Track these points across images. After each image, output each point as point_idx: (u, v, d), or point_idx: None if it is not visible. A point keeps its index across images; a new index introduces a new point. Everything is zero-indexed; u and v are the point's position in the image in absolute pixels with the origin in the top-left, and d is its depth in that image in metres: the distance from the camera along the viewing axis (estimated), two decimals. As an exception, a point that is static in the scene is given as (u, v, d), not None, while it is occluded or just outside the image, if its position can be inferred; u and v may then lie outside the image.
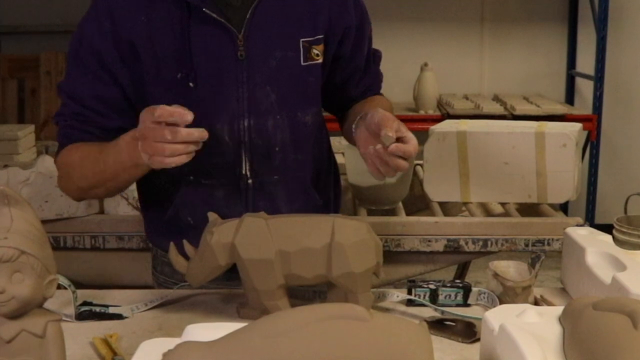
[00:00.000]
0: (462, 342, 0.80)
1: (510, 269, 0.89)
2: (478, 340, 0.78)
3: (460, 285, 0.91)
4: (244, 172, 0.97)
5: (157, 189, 1.02)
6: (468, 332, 0.81)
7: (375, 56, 1.09)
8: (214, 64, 0.93)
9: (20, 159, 1.93)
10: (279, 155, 0.98)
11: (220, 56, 0.93)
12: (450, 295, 0.90)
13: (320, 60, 0.98)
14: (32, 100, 3.09)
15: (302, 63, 0.96)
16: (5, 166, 1.70)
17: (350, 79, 1.06)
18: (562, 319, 0.66)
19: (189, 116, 0.82)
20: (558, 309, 0.68)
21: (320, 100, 1.02)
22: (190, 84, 0.92)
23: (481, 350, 0.71)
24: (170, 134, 0.81)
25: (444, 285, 0.90)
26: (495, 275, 0.86)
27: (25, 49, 3.13)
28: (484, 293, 0.89)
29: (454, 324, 0.83)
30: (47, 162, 1.65)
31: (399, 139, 0.85)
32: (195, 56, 0.92)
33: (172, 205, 0.99)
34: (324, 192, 1.05)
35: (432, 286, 0.90)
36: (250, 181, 0.97)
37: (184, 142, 0.82)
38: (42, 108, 3.05)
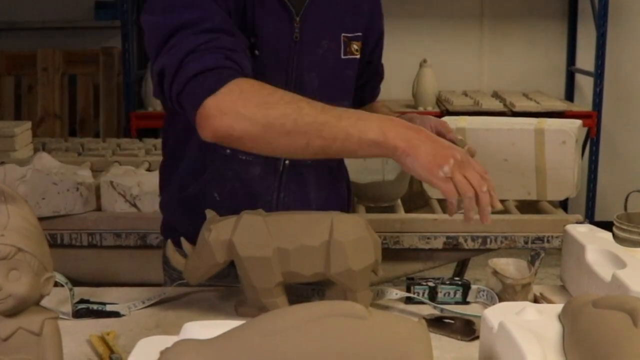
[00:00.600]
0: (461, 339, 0.80)
1: (510, 266, 0.88)
2: (477, 338, 0.78)
3: (460, 282, 0.90)
4: None
5: (188, 162, 0.97)
6: (467, 329, 0.81)
7: (380, 72, 1.14)
8: (274, 40, 0.93)
9: (16, 156, 1.92)
10: None
11: (280, 33, 0.93)
12: (449, 293, 0.89)
13: (358, 56, 1.01)
14: (28, 97, 3.08)
15: (342, 56, 0.99)
16: (2, 163, 1.69)
17: (368, 82, 1.11)
18: (562, 317, 0.66)
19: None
20: (558, 307, 0.68)
21: (352, 95, 1.05)
22: (256, 52, 0.91)
23: (480, 348, 0.70)
24: (486, 187, 0.77)
25: (443, 283, 0.90)
26: (495, 272, 0.86)
27: (22, 46, 3.12)
28: (483, 291, 0.89)
29: (453, 321, 0.83)
30: (44, 159, 1.64)
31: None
32: (260, 27, 0.91)
33: (197, 181, 0.96)
34: (347, 185, 1.09)
35: (431, 284, 0.90)
36: (287, 162, 0.97)
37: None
38: (39, 105, 3.04)
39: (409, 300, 0.91)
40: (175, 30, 0.82)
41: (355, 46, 1.00)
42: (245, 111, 0.78)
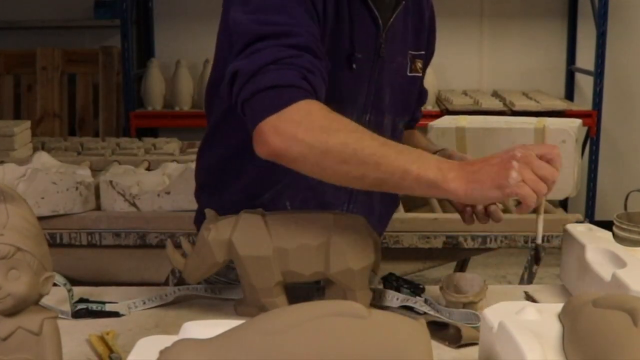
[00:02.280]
0: (449, 346, 0.78)
1: (461, 281, 0.86)
2: (463, 346, 0.77)
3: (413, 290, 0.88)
4: None
5: (260, 167, 0.87)
6: (458, 336, 0.79)
7: (425, 93, 1.11)
8: (364, 54, 0.93)
9: (16, 155, 1.92)
10: None
11: (369, 48, 0.93)
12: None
13: (420, 74, 1.02)
14: (28, 96, 3.08)
15: (408, 73, 0.99)
16: (1, 162, 1.69)
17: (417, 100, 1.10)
18: (562, 316, 0.66)
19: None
20: (557, 306, 0.68)
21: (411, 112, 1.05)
22: (354, 66, 0.91)
23: (480, 348, 0.70)
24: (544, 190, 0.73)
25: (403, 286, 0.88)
26: (440, 288, 0.85)
27: (21, 45, 3.12)
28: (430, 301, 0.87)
29: (445, 327, 0.82)
30: (44, 158, 1.64)
31: None
32: (356, 41, 0.91)
33: (271, 189, 0.93)
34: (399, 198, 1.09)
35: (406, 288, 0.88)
36: None
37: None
38: (38, 104, 3.04)
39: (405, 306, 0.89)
40: (263, 37, 0.79)
41: (419, 64, 1.00)
42: (305, 135, 0.75)
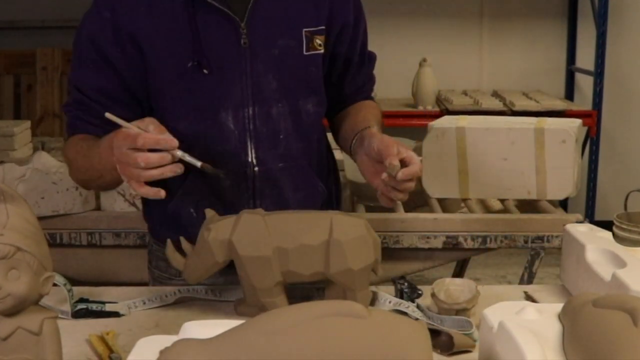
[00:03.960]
0: (440, 353, 0.77)
1: (452, 287, 0.85)
2: (455, 353, 0.77)
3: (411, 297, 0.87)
4: (249, 159, 0.97)
5: (160, 180, 1.00)
6: (449, 343, 0.78)
7: (371, 58, 1.09)
8: (220, 52, 0.93)
9: (16, 155, 1.92)
10: (283, 143, 0.98)
11: (225, 44, 0.93)
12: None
13: (322, 51, 0.99)
14: (28, 96, 3.08)
15: (305, 52, 0.97)
16: (1, 162, 1.69)
17: (344, 74, 1.06)
18: (562, 316, 0.66)
19: (174, 142, 0.83)
20: (558, 306, 0.68)
21: (323, 91, 1.02)
22: (205, 71, 0.93)
23: (480, 348, 0.70)
24: (144, 162, 0.82)
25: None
26: (432, 294, 0.84)
27: (21, 45, 3.11)
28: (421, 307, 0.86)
29: (437, 334, 0.80)
30: (44, 159, 1.64)
31: (401, 161, 0.86)
32: (204, 44, 0.93)
33: (174, 198, 0.98)
34: (326, 183, 1.06)
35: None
36: (256, 169, 0.97)
37: (159, 166, 0.83)
38: (38, 104, 3.04)
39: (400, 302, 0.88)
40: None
41: (318, 40, 0.97)
42: (71, 175, 1.02)
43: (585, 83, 3.17)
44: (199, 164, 0.86)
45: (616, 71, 3.12)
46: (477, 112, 2.62)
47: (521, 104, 2.83)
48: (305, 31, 0.97)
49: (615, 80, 3.12)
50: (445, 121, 1.54)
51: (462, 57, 3.22)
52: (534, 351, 0.59)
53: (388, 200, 0.91)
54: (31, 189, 1.52)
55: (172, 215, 0.98)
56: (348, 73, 1.06)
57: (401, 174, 0.86)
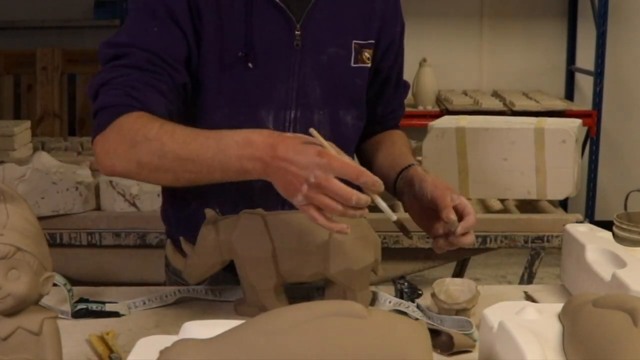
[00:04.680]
0: (440, 353, 0.77)
1: (452, 287, 0.85)
2: (455, 353, 0.77)
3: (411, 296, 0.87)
4: None
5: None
6: (449, 343, 0.78)
7: (405, 86, 1.08)
8: (271, 49, 0.91)
9: (16, 155, 1.92)
10: None
11: (278, 42, 0.91)
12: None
13: (369, 65, 0.98)
14: (28, 96, 3.08)
15: (352, 64, 0.96)
16: (1, 162, 1.69)
17: (381, 93, 1.05)
18: (562, 316, 0.66)
19: (380, 184, 0.73)
20: (558, 306, 0.68)
21: (364, 105, 1.00)
22: (250, 65, 0.90)
23: (480, 348, 0.70)
24: (356, 200, 0.72)
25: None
26: (433, 294, 0.84)
27: (21, 45, 3.12)
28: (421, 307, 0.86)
29: (437, 334, 0.80)
30: (44, 158, 1.64)
31: (454, 209, 0.84)
32: (256, 38, 0.90)
33: (197, 197, 0.93)
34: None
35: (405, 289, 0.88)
36: None
37: (354, 207, 0.73)
38: (38, 104, 3.04)
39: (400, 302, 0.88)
40: (106, 60, 0.86)
41: (367, 54, 0.96)
42: (121, 150, 0.80)
43: (585, 83, 3.17)
44: (394, 217, 0.77)
45: (616, 71, 3.12)
46: (477, 112, 2.62)
47: (521, 104, 2.83)
48: (355, 43, 0.95)
49: (615, 80, 3.12)
50: (445, 121, 1.54)
51: (462, 57, 3.22)
52: (534, 351, 0.59)
53: (443, 250, 0.88)
54: (31, 189, 1.52)
55: (193, 216, 0.92)
56: (384, 93, 1.05)
57: (460, 228, 0.83)
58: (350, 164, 0.74)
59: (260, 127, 0.89)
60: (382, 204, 0.76)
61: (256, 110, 0.91)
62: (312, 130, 0.78)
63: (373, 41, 0.97)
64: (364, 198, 0.72)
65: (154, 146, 0.79)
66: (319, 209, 0.73)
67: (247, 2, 0.90)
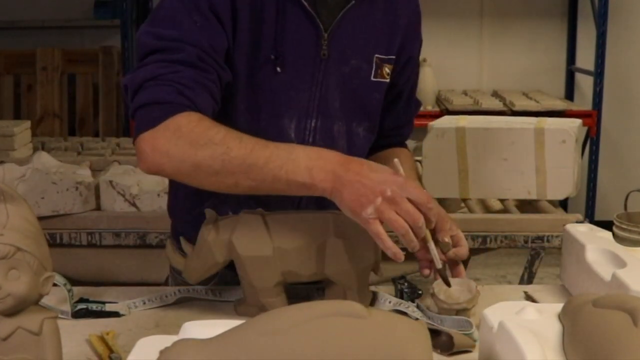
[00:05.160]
0: (440, 353, 0.77)
1: (452, 287, 0.84)
2: (455, 353, 0.77)
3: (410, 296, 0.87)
4: None
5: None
6: (449, 343, 0.78)
7: (417, 104, 1.07)
8: (299, 55, 0.90)
9: (16, 155, 1.92)
10: None
11: (306, 49, 0.91)
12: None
13: (388, 80, 0.97)
14: (28, 96, 3.08)
15: (372, 78, 0.95)
16: (1, 162, 1.69)
17: (392, 106, 1.03)
18: (562, 316, 0.66)
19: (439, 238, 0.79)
20: (558, 306, 0.68)
21: (377, 119, 1.00)
22: (278, 69, 0.89)
23: (480, 348, 0.70)
24: (422, 224, 0.74)
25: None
26: (432, 294, 0.84)
27: (21, 45, 3.12)
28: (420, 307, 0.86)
29: (437, 334, 0.79)
30: (44, 158, 1.64)
31: (451, 238, 0.85)
32: (286, 42, 0.89)
33: (211, 198, 0.91)
34: None
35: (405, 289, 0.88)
36: None
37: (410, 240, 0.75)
38: (38, 104, 3.04)
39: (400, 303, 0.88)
40: (152, 51, 0.83)
41: (387, 69, 0.96)
42: (176, 150, 0.78)
43: (585, 83, 3.17)
44: (440, 265, 0.80)
45: (616, 71, 3.12)
46: (477, 112, 2.62)
47: (521, 104, 2.83)
48: (377, 57, 0.95)
49: (615, 80, 3.12)
50: (445, 121, 1.54)
51: (462, 57, 3.22)
52: (534, 351, 0.59)
53: (427, 272, 0.87)
54: (31, 189, 1.52)
55: (203, 217, 0.88)
56: (395, 106, 1.03)
57: (452, 253, 0.84)
58: (423, 190, 0.75)
59: (282, 135, 0.89)
60: (433, 247, 0.78)
61: (279, 116, 0.90)
62: (396, 161, 0.79)
63: (394, 57, 0.97)
64: (423, 220, 0.74)
65: (219, 150, 0.77)
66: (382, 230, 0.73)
67: (278, 6, 0.88)
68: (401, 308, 0.86)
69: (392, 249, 0.75)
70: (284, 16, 0.89)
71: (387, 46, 0.96)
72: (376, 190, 0.74)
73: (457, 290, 0.85)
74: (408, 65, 1.01)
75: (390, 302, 0.88)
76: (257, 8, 0.88)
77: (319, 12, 0.90)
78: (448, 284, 0.83)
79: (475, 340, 0.78)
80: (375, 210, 0.74)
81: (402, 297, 0.88)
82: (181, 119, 0.79)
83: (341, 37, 0.92)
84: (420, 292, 0.88)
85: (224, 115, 0.87)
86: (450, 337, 0.77)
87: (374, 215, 0.74)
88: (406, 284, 0.88)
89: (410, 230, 0.75)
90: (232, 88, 0.89)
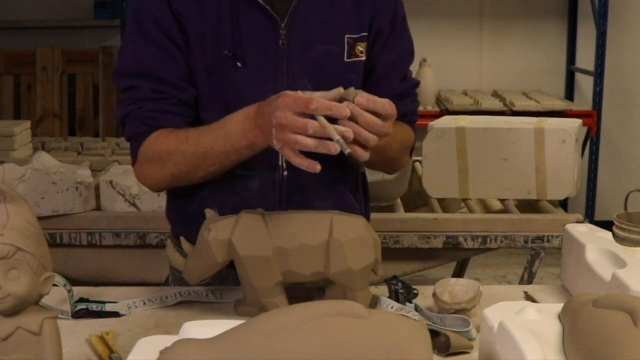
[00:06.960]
0: (438, 354, 0.77)
1: (457, 287, 0.84)
2: (452, 354, 0.77)
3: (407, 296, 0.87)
4: (280, 163, 0.95)
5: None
6: (446, 344, 0.78)
7: (412, 82, 1.04)
8: (257, 50, 0.92)
9: (16, 155, 1.92)
10: None
11: (264, 42, 0.92)
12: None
13: (363, 58, 0.97)
14: (28, 96, 3.08)
15: (346, 59, 0.95)
16: (1, 162, 1.69)
17: (375, 83, 0.99)
18: (562, 316, 0.66)
19: (346, 111, 0.76)
20: (558, 306, 0.68)
21: None
22: (238, 64, 0.91)
23: (480, 348, 0.70)
24: (313, 129, 0.76)
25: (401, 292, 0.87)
26: (434, 294, 0.84)
27: (21, 45, 3.12)
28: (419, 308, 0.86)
29: (436, 334, 0.79)
30: (44, 158, 1.64)
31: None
32: (243, 37, 0.91)
33: (197, 198, 0.95)
34: (354, 195, 1.02)
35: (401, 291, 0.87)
36: (285, 173, 0.95)
37: (319, 137, 0.76)
38: (38, 104, 3.04)
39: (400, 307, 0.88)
40: (122, 89, 0.96)
41: (360, 47, 0.95)
42: (153, 173, 0.94)
43: (585, 83, 3.17)
44: (347, 150, 0.76)
45: (616, 71, 3.12)
46: (477, 112, 2.62)
47: (521, 104, 2.83)
48: (348, 38, 0.95)
49: (615, 80, 3.12)
50: (445, 121, 1.54)
51: (462, 57, 3.22)
52: (534, 351, 0.59)
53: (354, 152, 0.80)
54: (31, 189, 1.52)
55: (194, 216, 0.94)
56: (376, 82, 0.99)
57: (362, 98, 0.78)
58: (297, 95, 0.78)
59: None
60: (341, 141, 0.75)
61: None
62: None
63: (366, 34, 0.96)
64: (314, 124, 0.76)
65: (177, 157, 0.90)
66: (294, 149, 0.78)
67: (232, 4, 0.91)
68: (402, 313, 0.86)
69: (301, 163, 0.79)
70: (238, 12, 0.91)
71: (357, 25, 0.96)
72: (270, 123, 0.80)
73: (461, 290, 0.85)
74: (379, 38, 0.98)
75: (392, 307, 0.87)
76: (208, 11, 0.91)
77: (273, 4, 0.92)
78: (359, 165, 0.81)
79: (472, 339, 0.78)
80: (278, 141, 0.79)
81: (397, 298, 0.88)
82: (146, 145, 0.93)
83: (301, 25, 0.93)
84: (416, 291, 0.88)
85: (200, 118, 0.93)
86: (448, 338, 0.77)
87: (279, 145, 0.80)
88: (400, 284, 0.88)
89: (305, 138, 0.76)
90: (199, 90, 0.94)
